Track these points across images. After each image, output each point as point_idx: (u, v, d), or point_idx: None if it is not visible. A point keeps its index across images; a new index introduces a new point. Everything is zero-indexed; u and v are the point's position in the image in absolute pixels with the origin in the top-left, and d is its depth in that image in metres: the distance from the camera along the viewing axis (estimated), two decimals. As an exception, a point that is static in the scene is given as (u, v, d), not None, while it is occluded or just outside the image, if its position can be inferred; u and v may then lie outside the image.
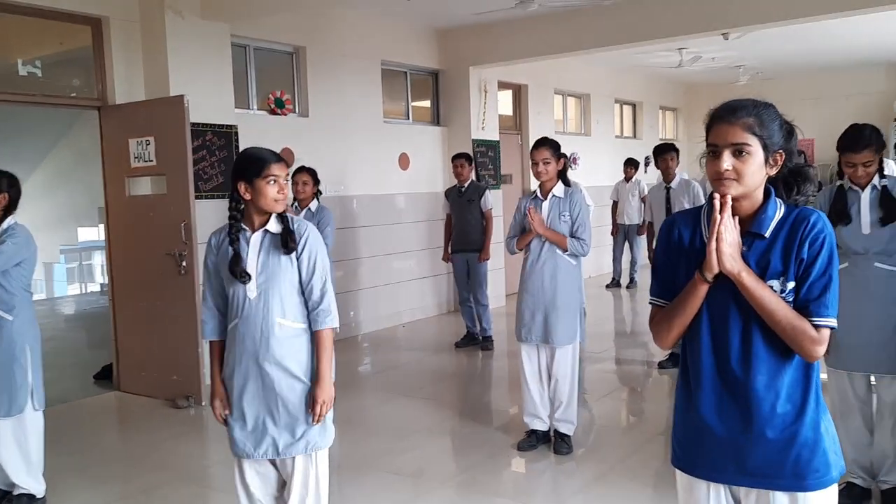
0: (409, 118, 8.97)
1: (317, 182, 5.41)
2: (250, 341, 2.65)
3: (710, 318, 1.88)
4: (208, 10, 6.05)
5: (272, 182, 2.58)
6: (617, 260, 10.55)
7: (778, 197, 1.89)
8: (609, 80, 12.46)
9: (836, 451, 1.85)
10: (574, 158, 11.37)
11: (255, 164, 2.59)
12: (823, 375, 3.50)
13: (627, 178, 10.23)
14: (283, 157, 2.69)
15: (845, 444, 3.46)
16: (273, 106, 7.14)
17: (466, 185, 7.08)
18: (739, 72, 12.46)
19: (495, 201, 7.96)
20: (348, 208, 7.88)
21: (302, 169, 5.43)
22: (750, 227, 1.84)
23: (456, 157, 7.15)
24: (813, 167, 2.08)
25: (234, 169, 2.67)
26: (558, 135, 11.25)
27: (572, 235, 4.20)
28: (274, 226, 2.66)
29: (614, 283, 10.57)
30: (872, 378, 3.49)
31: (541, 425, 4.42)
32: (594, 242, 11.36)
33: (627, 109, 13.68)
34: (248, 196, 2.61)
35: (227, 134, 6.25)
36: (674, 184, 6.03)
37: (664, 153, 6.10)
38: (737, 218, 1.81)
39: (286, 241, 2.61)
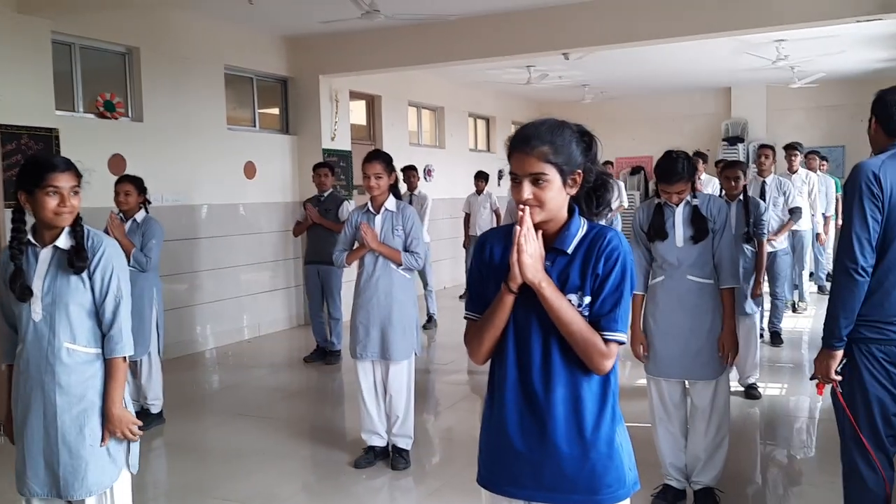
0: (255, 126, 8.68)
1: (142, 191, 5.06)
2: (35, 368, 2.41)
3: (515, 333, 1.88)
4: (25, 3, 5.55)
5: (52, 193, 2.36)
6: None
7: (582, 214, 1.92)
8: (463, 95, 12.67)
9: (630, 465, 1.89)
10: (429, 171, 11.45)
11: (33, 174, 2.37)
12: (642, 380, 3.66)
13: (479, 191, 10.39)
14: (74, 166, 2.46)
15: (662, 448, 3.64)
16: (102, 109, 6.66)
17: (326, 194, 6.93)
18: (585, 91, 13.06)
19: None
20: (189, 218, 7.48)
21: (123, 178, 5.06)
22: (553, 243, 1.87)
23: (319, 166, 7.01)
24: (611, 175, 2.16)
25: (17, 178, 2.44)
26: (413, 146, 11.30)
27: (406, 249, 4.17)
28: (64, 241, 2.43)
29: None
30: (687, 384, 3.68)
31: (379, 441, 4.36)
32: (448, 254, 11.25)
33: (481, 123, 13.98)
34: (28, 207, 2.39)
35: (47, 137, 5.76)
36: None
37: None
38: (540, 232, 1.83)
39: (72, 260, 2.39)
